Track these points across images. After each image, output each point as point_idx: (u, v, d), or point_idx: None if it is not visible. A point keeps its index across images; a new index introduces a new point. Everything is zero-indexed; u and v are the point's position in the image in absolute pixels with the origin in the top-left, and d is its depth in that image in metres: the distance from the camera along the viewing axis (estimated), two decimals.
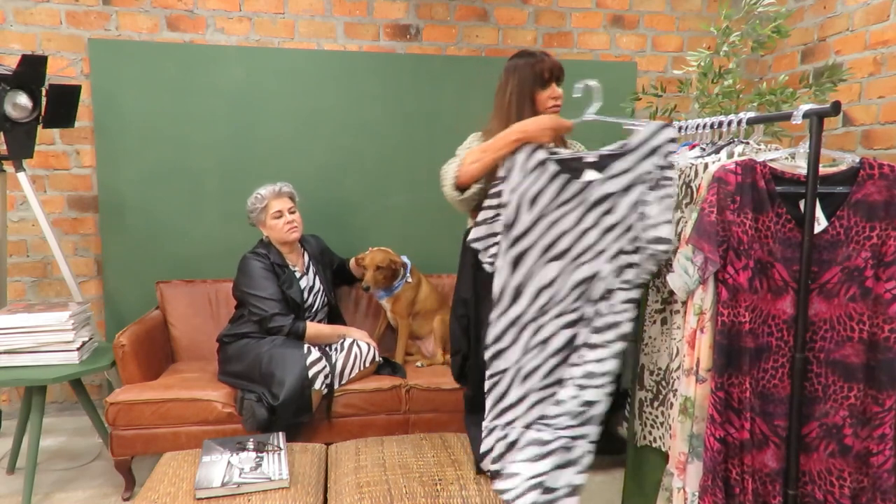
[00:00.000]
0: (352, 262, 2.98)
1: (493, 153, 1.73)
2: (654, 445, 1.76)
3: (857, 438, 1.58)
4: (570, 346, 1.66)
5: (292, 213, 2.69)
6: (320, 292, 2.78)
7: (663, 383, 1.72)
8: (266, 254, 2.65)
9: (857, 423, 1.58)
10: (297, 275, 2.71)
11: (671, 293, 1.68)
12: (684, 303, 1.61)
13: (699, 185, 1.62)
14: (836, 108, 1.52)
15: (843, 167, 1.58)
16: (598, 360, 1.63)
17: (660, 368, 1.72)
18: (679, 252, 1.57)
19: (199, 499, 1.71)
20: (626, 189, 1.63)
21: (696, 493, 1.56)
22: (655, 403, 1.74)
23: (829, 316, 1.58)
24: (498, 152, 1.72)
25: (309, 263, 2.80)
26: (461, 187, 1.83)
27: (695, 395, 1.57)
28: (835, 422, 1.59)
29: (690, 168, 1.67)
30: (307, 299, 2.70)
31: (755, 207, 1.53)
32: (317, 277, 2.79)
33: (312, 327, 2.62)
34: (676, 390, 1.65)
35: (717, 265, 1.51)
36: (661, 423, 1.73)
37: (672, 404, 1.69)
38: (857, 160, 1.57)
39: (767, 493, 1.57)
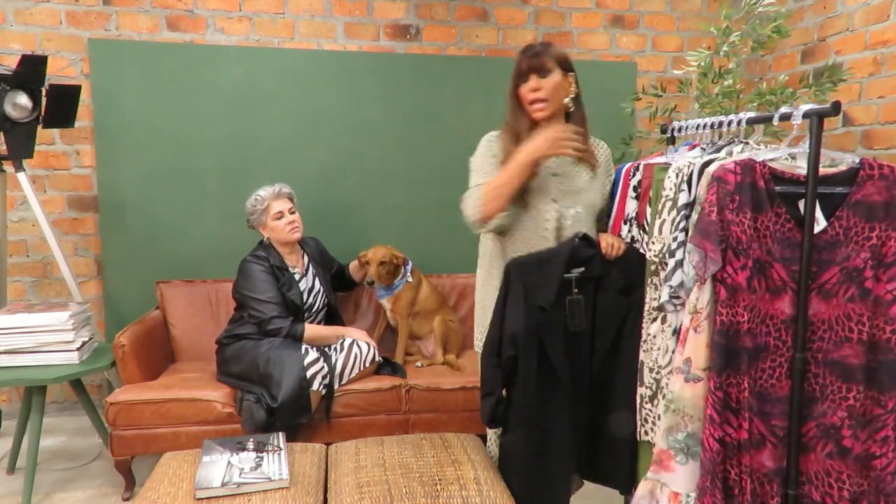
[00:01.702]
0: (354, 262, 2.99)
1: (509, 186, 1.71)
2: (653, 442, 1.76)
3: (857, 440, 1.58)
4: None
5: (292, 213, 2.69)
6: (320, 293, 2.78)
7: (663, 381, 1.72)
8: (266, 256, 2.65)
9: (857, 425, 1.58)
10: (297, 276, 2.71)
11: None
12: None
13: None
14: (836, 108, 1.52)
15: (842, 167, 1.58)
16: None
17: (659, 366, 1.72)
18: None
19: (199, 499, 1.71)
20: None
21: (690, 494, 1.57)
22: (655, 401, 1.74)
23: (827, 316, 1.58)
24: (514, 180, 1.70)
25: (308, 265, 2.80)
26: (486, 220, 1.79)
27: (682, 394, 1.57)
28: (832, 422, 1.59)
29: (687, 167, 1.67)
30: (307, 300, 2.70)
31: (754, 207, 1.53)
32: (316, 279, 2.79)
33: (311, 329, 2.62)
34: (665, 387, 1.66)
35: (718, 265, 1.51)
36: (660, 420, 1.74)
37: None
38: (857, 160, 1.57)
39: (765, 493, 1.57)
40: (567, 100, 1.87)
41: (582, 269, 1.78)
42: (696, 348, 1.55)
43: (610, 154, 2.03)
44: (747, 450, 1.54)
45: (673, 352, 1.66)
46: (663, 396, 1.66)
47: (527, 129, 1.86)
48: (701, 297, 1.55)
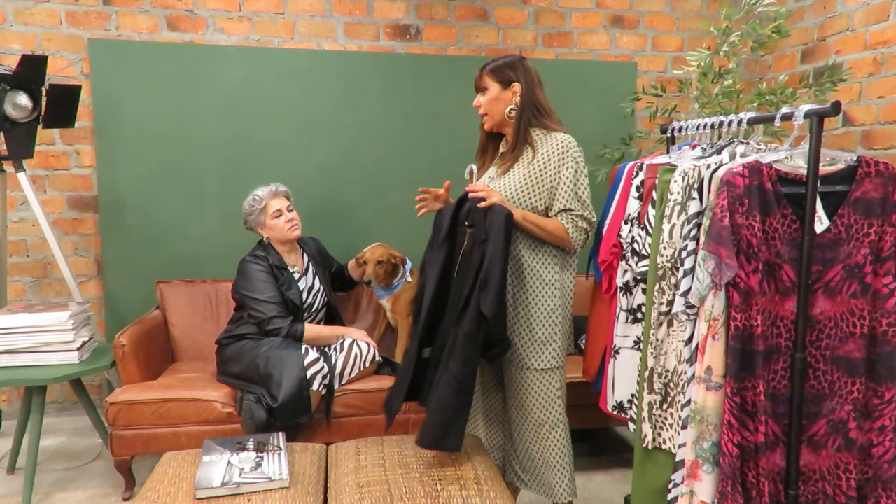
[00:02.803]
0: (351, 261, 2.98)
1: None
2: (664, 447, 1.76)
3: (861, 431, 1.60)
4: None
5: (290, 210, 2.70)
6: (320, 292, 2.78)
7: (671, 385, 1.71)
8: (265, 256, 2.65)
9: (861, 417, 1.60)
10: (296, 276, 2.71)
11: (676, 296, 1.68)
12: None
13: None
14: (836, 108, 1.52)
15: (841, 165, 1.59)
16: None
17: (667, 370, 1.71)
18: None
19: (199, 499, 1.71)
20: None
21: (714, 501, 1.56)
22: (664, 406, 1.73)
23: (833, 314, 1.59)
24: None
25: (308, 264, 2.80)
26: None
27: (704, 403, 1.56)
28: (840, 417, 1.60)
29: (693, 170, 1.67)
30: (307, 300, 2.70)
31: (763, 209, 1.53)
32: (316, 278, 2.79)
33: (311, 329, 2.62)
34: (683, 392, 1.65)
35: (734, 270, 1.49)
36: (671, 425, 1.73)
37: (680, 405, 1.69)
38: (854, 158, 1.57)
39: (779, 492, 1.58)
40: (508, 109, 2.00)
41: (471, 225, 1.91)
42: (716, 356, 1.54)
43: (563, 148, 1.92)
44: (763, 452, 1.54)
45: (688, 361, 1.65)
46: (686, 404, 1.63)
47: (483, 134, 2.14)
48: (716, 305, 1.53)
